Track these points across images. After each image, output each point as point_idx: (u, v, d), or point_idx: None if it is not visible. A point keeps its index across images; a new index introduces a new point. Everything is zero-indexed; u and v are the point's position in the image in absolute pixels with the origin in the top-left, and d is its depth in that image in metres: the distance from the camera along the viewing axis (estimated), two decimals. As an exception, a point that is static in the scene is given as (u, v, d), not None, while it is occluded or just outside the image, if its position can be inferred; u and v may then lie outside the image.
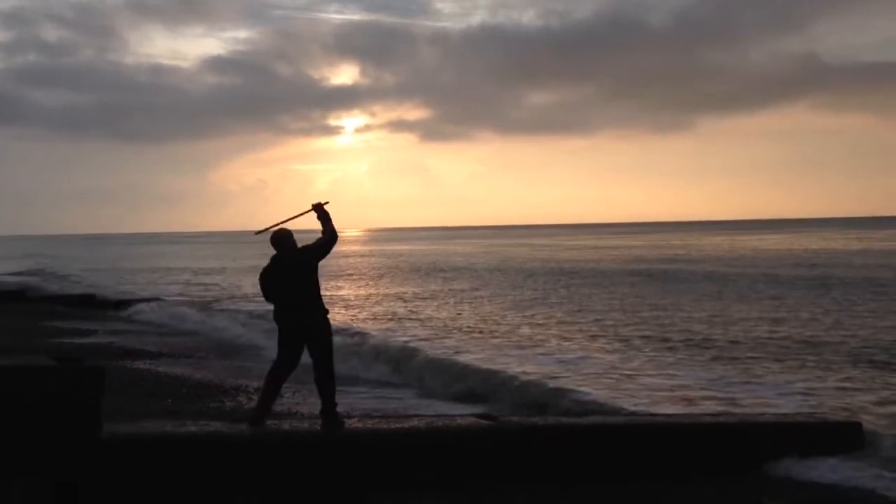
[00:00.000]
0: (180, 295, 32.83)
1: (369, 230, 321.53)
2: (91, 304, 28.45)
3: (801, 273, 37.22)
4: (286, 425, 7.51)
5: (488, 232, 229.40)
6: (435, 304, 28.24)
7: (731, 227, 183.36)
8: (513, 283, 37.36)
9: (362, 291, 35.34)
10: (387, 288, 36.84)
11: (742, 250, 65.66)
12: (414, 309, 26.46)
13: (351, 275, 45.97)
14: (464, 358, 14.89)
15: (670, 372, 13.79)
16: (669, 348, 16.57)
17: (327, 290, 35.70)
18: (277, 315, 7.53)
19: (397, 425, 7.63)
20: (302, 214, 7.71)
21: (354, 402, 11.35)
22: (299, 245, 7.56)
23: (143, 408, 10.33)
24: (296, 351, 7.50)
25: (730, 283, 33.19)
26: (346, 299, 31.54)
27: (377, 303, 29.52)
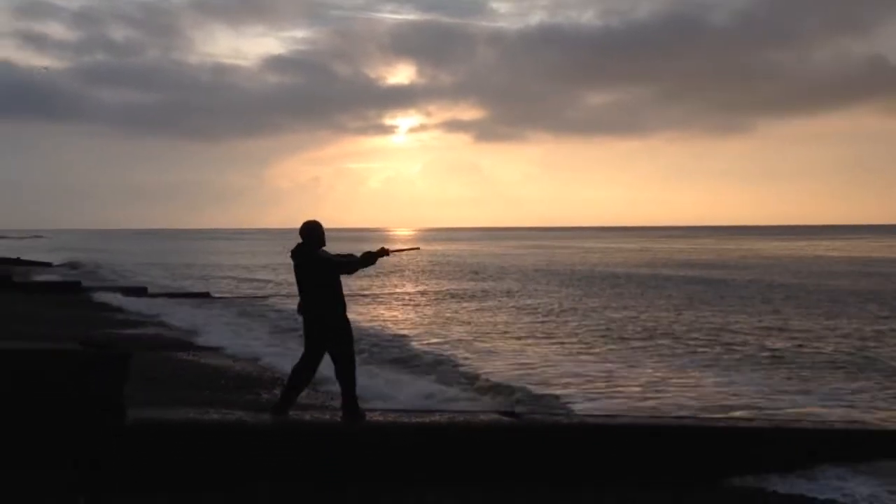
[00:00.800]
0: (229, 293, 33.35)
1: (420, 229, 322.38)
2: (143, 295, 29.07)
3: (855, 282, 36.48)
4: (307, 416, 7.57)
5: (540, 233, 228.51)
6: (477, 305, 28.24)
7: (789, 233, 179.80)
8: (558, 285, 37.18)
9: (405, 289, 35.52)
10: (429, 286, 36.98)
11: (797, 257, 64.37)
12: (457, 310, 26.47)
13: (394, 273, 46.22)
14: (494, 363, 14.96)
15: (725, 378, 13.66)
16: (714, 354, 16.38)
17: (371, 287, 36.13)
18: (300, 310, 7.61)
19: (418, 419, 7.64)
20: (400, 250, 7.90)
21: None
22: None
23: (180, 397, 10.50)
24: (317, 347, 7.56)
25: (782, 290, 32.60)
26: (384, 296, 31.75)
27: (416, 303, 29.61)
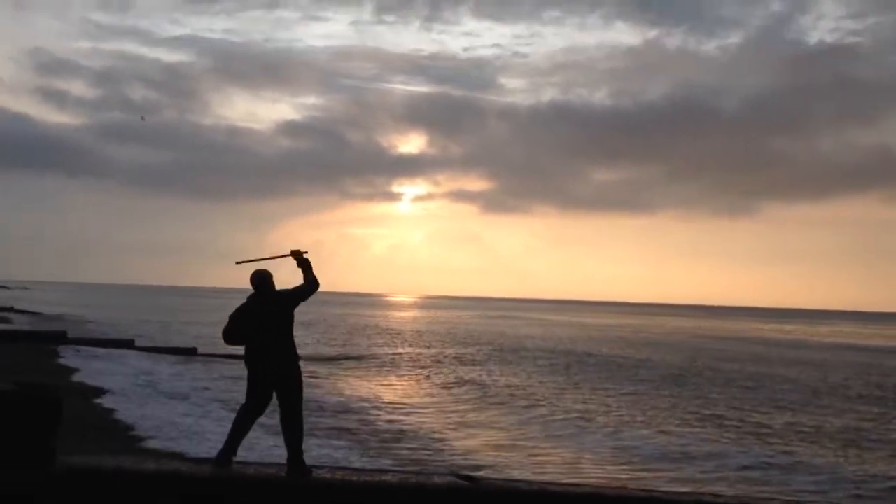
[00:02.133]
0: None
1: (422, 296, 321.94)
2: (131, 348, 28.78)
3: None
4: (251, 469, 7.21)
5: (543, 305, 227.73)
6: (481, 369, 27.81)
7: (792, 316, 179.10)
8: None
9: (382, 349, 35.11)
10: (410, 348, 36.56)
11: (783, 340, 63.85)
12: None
13: (370, 331, 45.75)
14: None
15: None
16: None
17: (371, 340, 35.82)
18: (249, 359, 7.32)
19: (367, 479, 7.27)
20: (280, 257, 7.60)
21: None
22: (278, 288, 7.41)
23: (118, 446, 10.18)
24: (265, 396, 7.27)
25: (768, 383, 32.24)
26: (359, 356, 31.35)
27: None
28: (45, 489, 6.07)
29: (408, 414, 17.04)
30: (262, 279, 7.37)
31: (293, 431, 7.23)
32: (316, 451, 11.58)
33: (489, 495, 7.37)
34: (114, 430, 12.29)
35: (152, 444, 11.23)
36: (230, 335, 7.39)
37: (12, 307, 55.41)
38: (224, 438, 7.33)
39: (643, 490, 8.61)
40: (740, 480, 11.88)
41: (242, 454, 7.58)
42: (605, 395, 22.41)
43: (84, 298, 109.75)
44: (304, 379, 7.38)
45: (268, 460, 9.57)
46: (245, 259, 7.64)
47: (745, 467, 12.98)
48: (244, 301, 7.38)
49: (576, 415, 18.00)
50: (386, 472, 7.98)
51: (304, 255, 7.51)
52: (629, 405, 20.16)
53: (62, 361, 22.21)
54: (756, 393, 24.16)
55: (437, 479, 7.64)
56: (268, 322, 7.21)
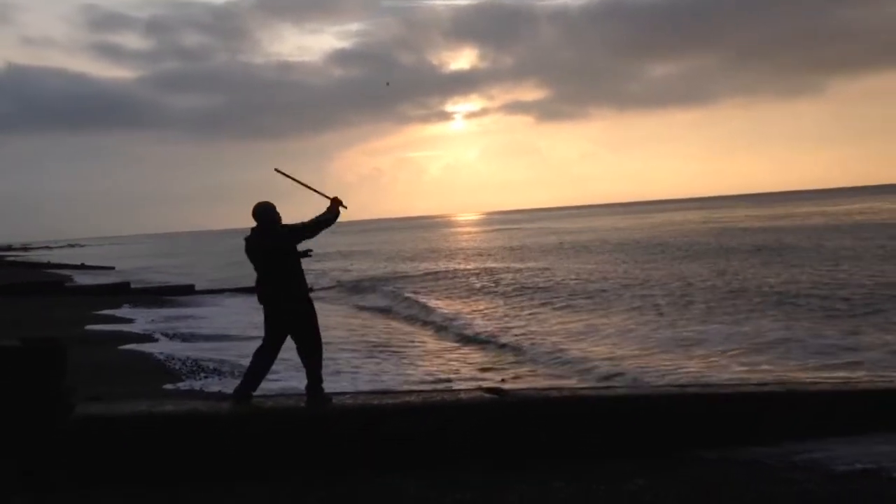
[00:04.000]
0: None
1: (485, 213, 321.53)
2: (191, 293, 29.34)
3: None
4: (269, 402, 7.12)
5: (602, 210, 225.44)
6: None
7: (868, 193, 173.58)
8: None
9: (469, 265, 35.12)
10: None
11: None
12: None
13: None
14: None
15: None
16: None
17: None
18: (258, 295, 7.17)
19: (389, 401, 7.12)
20: (320, 193, 7.40)
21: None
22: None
23: (143, 389, 10.25)
24: (277, 335, 7.13)
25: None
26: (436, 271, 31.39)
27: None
28: (54, 443, 6.05)
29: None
30: (263, 211, 7.12)
31: (308, 362, 7.11)
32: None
33: (519, 406, 7.16)
34: (155, 372, 12.44)
35: (188, 384, 11.33)
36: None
37: (82, 263, 56.98)
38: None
39: (676, 385, 8.32)
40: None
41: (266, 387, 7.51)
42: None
43: (153, 249, 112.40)
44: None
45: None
46: (286, 173, 7.37)
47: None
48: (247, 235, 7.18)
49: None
50: (410, 392, 7.81)
51: (340, 208, 7.24)
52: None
53: (120, 312, 22.66)
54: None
55: (462, 396, 7.46)
56: (267, 258, 7.01)
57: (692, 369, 10.93)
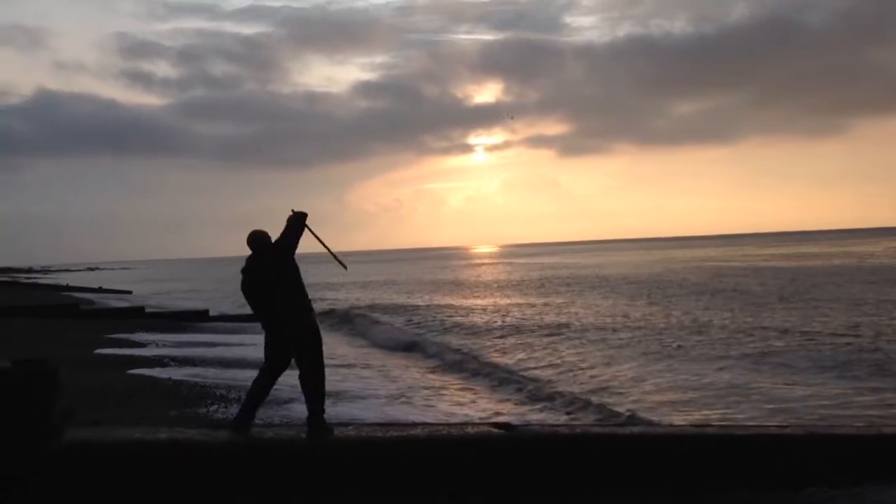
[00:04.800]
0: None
1: (503, 245, 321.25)
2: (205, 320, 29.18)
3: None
4: (269, 432, 6.86)
5: (626, 245, 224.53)
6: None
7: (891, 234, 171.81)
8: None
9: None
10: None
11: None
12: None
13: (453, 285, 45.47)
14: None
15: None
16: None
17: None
18: (258, 318, 6.97)
19: (394, 433, 6.85)
20: (335, 258, 7.37)
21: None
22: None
23: (148, 414, 10.01)
24: (281, 357, 6.90)
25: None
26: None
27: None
28: (39, 468, 5.82)
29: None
30: (257, 237, 6.99)
31: (310, 390, 6.87)
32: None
33: (527, 443, 6.87)
34: (162, 397, 12.20)
35: (194, 410, 11.08)
36: (245, 295, 7.04)
37: (100, 287, 57.18)
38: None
39: (695, 425, 7.98)
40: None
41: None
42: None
43: (175, 273, 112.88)
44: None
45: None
46: (311, 228, 7.15)
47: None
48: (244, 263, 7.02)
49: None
50: (415, 425, 7.54)
51: (297, 214, 7.06)
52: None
53: (133, 337, 22.53)
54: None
55: (469, 430, 7.18)
56: (267, 281, 6.83)
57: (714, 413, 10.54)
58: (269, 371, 6.96)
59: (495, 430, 7.09)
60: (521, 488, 6.66)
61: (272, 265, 6.86)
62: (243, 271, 6.97)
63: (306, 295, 6.95)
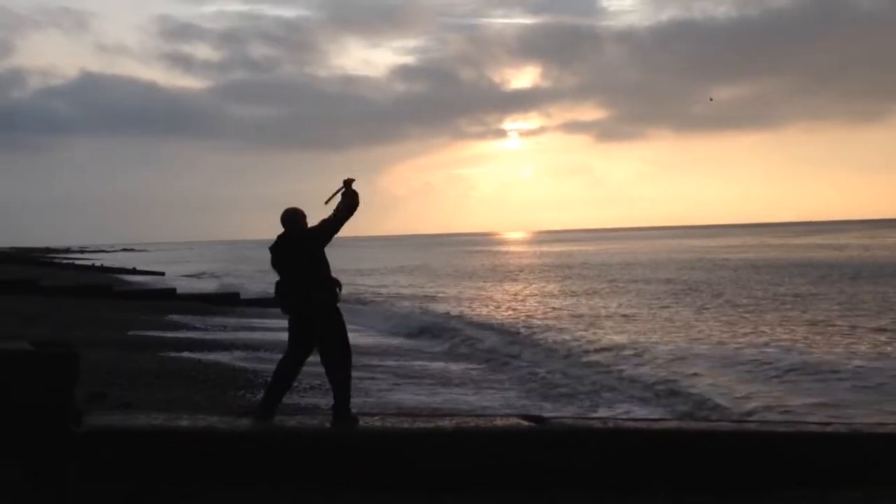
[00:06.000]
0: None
1: (534, 232, 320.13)
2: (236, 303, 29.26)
3: None
4: (293, 421, 6.70)
5: (661, 232, 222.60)
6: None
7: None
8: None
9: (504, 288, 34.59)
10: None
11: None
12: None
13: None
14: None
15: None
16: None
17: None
18: (286, 306, 6.79)
19: (421, 425, 6.65)
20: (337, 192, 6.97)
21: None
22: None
23: (170, 397, 9.92)
24: (304, 342, 6.72)
25: None
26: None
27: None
28: (58, 453, 5.71)
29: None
30: (289, 218, 6.79)
31: (334, 378, 6.68)
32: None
33: (558, 436, 6.64)
34: (192, 380, 12.16)
35: (223, 393, 11.01)
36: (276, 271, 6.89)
37: (134, 268, 57.70)
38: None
39: (733, 421, 7.70)
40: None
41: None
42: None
43: (210, 255, 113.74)
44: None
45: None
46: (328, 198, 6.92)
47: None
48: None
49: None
50: (443, 416, 7.34)
51: (354, 187, 6.83)
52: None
53: (164, 319, 22.63)
54: None
55: (498, 422, 6.97)
56: (290, 262, 6.65)
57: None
58: (291, 359, 6.78)
59: (525, 423, 6.87)
60: (550, 482, 6.44)
61: (299, 244, 6.67)
62: (271, 248, 6.82)
63: (329, 273, 6.74)
